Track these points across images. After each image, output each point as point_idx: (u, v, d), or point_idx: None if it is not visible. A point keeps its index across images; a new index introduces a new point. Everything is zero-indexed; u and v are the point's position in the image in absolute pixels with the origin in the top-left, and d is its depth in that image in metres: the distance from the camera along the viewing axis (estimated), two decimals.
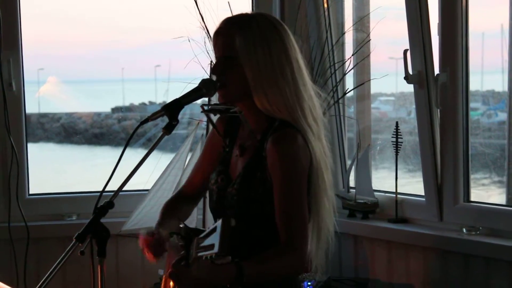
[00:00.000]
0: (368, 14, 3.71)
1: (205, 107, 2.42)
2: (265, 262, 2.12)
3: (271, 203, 2.19)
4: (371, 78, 3.75)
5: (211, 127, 2.51)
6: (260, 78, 2.20)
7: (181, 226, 2.18)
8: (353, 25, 3.70)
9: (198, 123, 3.54)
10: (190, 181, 2.56)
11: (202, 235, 1.98)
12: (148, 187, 3.47)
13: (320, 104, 2.33)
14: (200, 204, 3.44)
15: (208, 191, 2.43)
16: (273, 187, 2.19)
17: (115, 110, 5.81)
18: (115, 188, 2.03)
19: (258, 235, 2.24)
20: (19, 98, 3.70)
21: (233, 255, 2.17)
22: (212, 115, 2.52)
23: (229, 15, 2.35)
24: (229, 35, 2.22)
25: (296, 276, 2.30)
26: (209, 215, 3.26)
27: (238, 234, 2.05)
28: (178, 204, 2.53)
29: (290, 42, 2.27)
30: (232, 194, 2.26)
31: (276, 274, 2.17)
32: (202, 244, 1.97)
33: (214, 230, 1.93)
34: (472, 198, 3.32)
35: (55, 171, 5.73)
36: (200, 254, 1.96)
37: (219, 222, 1.91)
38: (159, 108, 2.11)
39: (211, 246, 1.92)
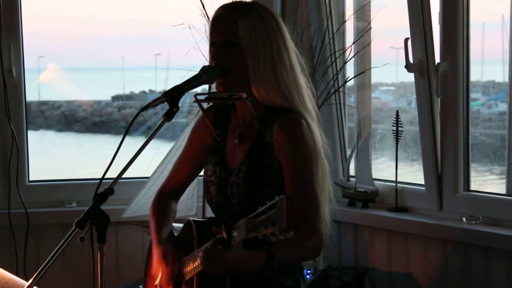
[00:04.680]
0: (369, 2, 3.70)
1: (199, 97, 2.37)
2: (292, 246, 2.12)
3: (279, 187, 2.20)
4: (372, 67, 3.75)
5: (194, 121, 2.49)
6: (259, 65, 2.21)
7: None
8: (354, 13, 3.69)
9: (198, 111, 3.53)
10: (175, 177, 2.54)
11: (251, 216, 1.95)
12: (148, 174, 3.47)
13: (312, 94, 2.34)
14: (200, 191, 3.44)
15: (203, 184, 2.41)
16: (284, 171, 2.21)
17: (115, 98, 5.82)
18: (115, 175, 2.03)
19: None
20: (19, 85, 3.69)
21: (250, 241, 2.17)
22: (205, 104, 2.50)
23: (228, 1, 2.35)
24: (231, 21, 2.22)
25: (317, 256, 2.32)
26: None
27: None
28: (167, 205, 2.50)
29: (285, 30, 2.30)
30: (238, 183, 2.26)
31: (302, 256, 2.23)
32: (256, 223, 1.93)
33: (271, 207, 1.89)
34: (472, 188, 3.32)
35: (55, 158, 5.73)
36: (257, 233, 1.92)
37: (279, 198, 1.87)
38: (159, 96, 2.10)
39: (271, 223, 1.88)
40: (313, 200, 2.19)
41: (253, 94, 2.24)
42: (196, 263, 2.17)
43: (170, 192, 2.53)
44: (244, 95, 2.22)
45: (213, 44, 2.27)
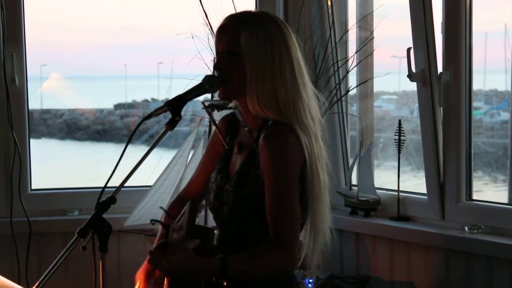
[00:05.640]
0: (372, 12, 3.71)
1: (206, 104, 2.43)
2: (252, 258, 2.12)
3: (262, 200, 2.20)
4: (374, 76, 3.75)
5: (213, 126, 2.52)
6: (257, 76, 2.20)
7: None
8: (356, 23, 3.70)
9: (201, 120, 3.54)
10: (193, 182, 2.56)
11: (176, 221, 2.01)
12: (150, 183, 3.47)
13: (318, 106, 2.33)
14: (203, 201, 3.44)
15: (207, 190, 2.43)
16: (264, 183, 2.20)
17: (118, 106, 5.82)
18: (117, 184, 2.03)
19: (252, 232, 2.25)
20: (22, 93, 3.70)
21: (224, 250, 2.19)
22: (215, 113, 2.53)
23: (233, 12, 2.36)
24: (234, 32, 2.23)
25: (284, 273, 2.24)
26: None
27: (233, 226, 2.12)
28: (179, 208, 2.52)
29: (292, 41, 2.28)
30: (229, 191, 2.27)
31: (263, 270, 2.15)
32: (176, 229, 2.00)
33: (183, 214, 1.96)
34: (474, 197, 3.32)
35: (57, 166, 5.73)
36: (173, 238, 1.99)
37: (187, 205, 1.93)
38: (161, 105, 2.11)
39: (181, 229, 1.94)
40: (286, 215, 2.15)
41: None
42: None
43: (187, 198, 2.54)
44: (232, 105, 2.24)
45: (217, 54, 2.28)
